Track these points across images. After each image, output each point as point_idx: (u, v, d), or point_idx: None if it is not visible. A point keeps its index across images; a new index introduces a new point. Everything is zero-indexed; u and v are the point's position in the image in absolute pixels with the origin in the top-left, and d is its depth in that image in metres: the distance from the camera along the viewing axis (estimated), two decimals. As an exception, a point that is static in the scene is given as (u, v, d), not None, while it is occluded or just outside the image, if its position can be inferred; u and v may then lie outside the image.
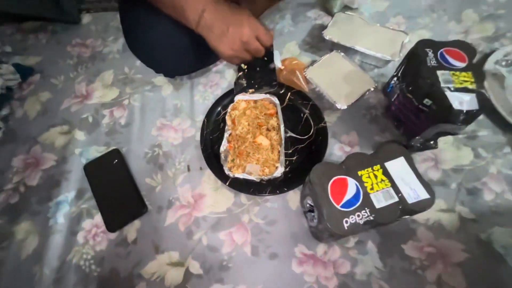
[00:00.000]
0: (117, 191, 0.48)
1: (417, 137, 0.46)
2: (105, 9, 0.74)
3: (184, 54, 0.50)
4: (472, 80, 0.40)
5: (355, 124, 0.53)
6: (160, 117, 0.55)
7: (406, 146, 0.49)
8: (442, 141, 0.50)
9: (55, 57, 0.64)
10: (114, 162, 0.50)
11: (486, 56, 0.58)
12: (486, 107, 0.39)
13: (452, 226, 0.43)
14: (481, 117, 0.52)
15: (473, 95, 0.39)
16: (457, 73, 0.41)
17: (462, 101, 0.39)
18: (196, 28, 0.41)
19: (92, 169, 0.50)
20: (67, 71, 0.62)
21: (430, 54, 0.43)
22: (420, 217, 0.44)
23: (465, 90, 0.40)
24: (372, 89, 0.52)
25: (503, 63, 0.57)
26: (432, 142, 0.48)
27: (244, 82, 0.54)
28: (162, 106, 0.56)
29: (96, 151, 0.52)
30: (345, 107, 0.51)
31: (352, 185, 0.34)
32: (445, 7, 0.66)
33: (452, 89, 0.40)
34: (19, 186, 0.49)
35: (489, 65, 0.56)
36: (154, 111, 0.56)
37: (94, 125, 0.55)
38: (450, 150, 0.49)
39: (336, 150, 0.50)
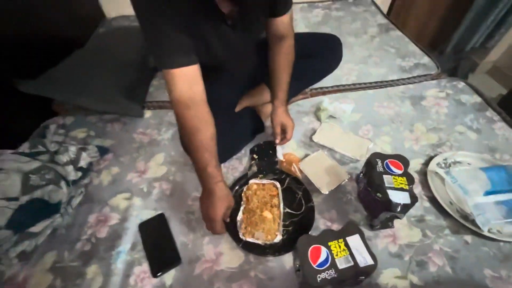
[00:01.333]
0: (160, 246, 0.66)
1: (375, 219, 0.64)
2: (161, 107, 1.05)
3: (220, 156, 0.74)
4: (406, 183, 0.62)
5: (335, 205, 0.72)
6: (195, 190, 0.77)
7: (371, 225, 0.67)
8: (399, 222, 0.68)
9: (124, 142, 0.91)
10: (160, 223, 0.70)
11: (431, 159, 0.80)
12: (415, 202, 0.59)
13: (404, 290, 0.57)
14: (428, 204, 0.71)
15: (407, 193, 0.60)
16: (396, 177, 0.63)
17: (399, 197, 0.59)
18: (202, 187, 0.61)
19: (144, 227, 0.69)
20: (132, 152, 0.88)
21: (379, 163, 0.66)
22: (382, 281, 0.59)
23: (401, 189, 0.60)
24: (346, 180, 0.74)
25: (443, 165, 0.79)
26: (389, 223, 0.66)
27: (255, 168, 0.77)
28: (197, 182, 0.78)
29: (148, 214, 0.72)
30: (327, 192, 0.72)
31: (324, 252, 0.51)
32: (401, 119, 0.93)
33: (392, 188, 0.61)
34: (92, 237, 0.68)
35: (432, 166, 0.78)
36: (191, 186, 0.78)
37: (147, 194, 0.77)
38: (404, 230, 0.67)
39: (321, 224, 0.69)
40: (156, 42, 0.55)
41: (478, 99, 0.97)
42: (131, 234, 0.68)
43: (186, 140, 0.61)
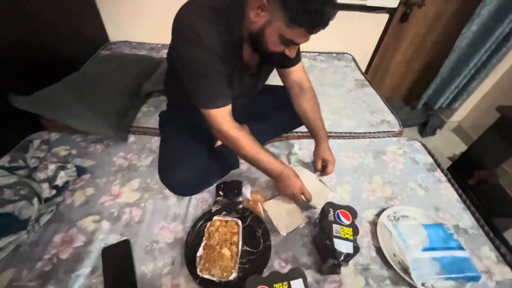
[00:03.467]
0: (120, 273, 0.68)
1: (324, 264, 0.70)
2: (145, 133, 1.12)
3: (194, 189, 0.83)
4: (351, 233, 0.69)
5: (291, 246, 0.78)
6: (162, 220, 0.81)
7: (320, 269, 0.73)
8: (347, 269, 0.74)
9: (103, 164, 0.95)
10: (124, 249, 0.73)
11: (383, 211, 0.89)
12: (357, 252, 0.66)
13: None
14: (374, 254, 0.78)
15: (351, 243, 0.67)
16: (344, 227, 0.70)
17: (343, 247, 0.66)
18: (274, 178, 0.79)
19: (107, 253, 0.72)
20: (109, 175, 0.92)
21: (331, 212, 0.73)
22: (322, 326, 0.63)
23: (347, 239, 0.68)
24: (304, 224, 0.81)
25: (392, 218, 0.87)
26: (337, 269, 0.72)
27: (219, 205, 0.83)
28: (166, 212, 0.83)
29: (113, 239, 0.75)
30: (285, 234, 0.78)
31: (268, 293, 0.56)
32: (362, 171, 1.03)
33: (339, 237, 0.68)
34: (54, 257, 0.70)
35: (382, 218, 0.86)
36: (160, 214, 0.82)
37: (117, 219, 0.80)
38: (350, 276, 0.73)
39: (276, 264, 0.74)
40: (208, 90, 0.70)
41: (430, 159, 1.09)
42: (93, 258, 0.70)
43: (244, 152, 0.75)
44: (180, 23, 0.64)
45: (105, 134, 1.01)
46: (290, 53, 0.69)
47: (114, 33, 1.70)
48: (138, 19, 1.62)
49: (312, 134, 0.93)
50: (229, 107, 0.74)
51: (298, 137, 1.16)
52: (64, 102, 1.01)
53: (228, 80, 0.74)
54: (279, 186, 0.81)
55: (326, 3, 0.56)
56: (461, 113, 2.06)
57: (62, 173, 0.85)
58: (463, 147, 2.00)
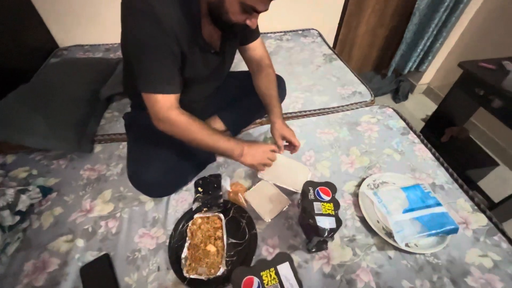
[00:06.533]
0: (102, 289, 0.65)
1: (310, 243, 0.71)
2: (112, 140, 1.05)
3: (168, 189, 0.78)
4: (332, 209, 0.69)
5: (277, 230, 0.77)
6: (142, 227, 0.77)
7: (308, 248, 0.73)
8: (333, 243, 0.75)
9: (70, 179, 0.89)
10: (103, 265, 0.69)
11: (363, 181, 0.90)
12: (340, 225, 0.66)
13: (335, 309, 0.63)
14: (359, 224, 0.79)
15: (333, 218, 0.67)
16: (325, 204, 0.70)
17: (326, 223, 0.66)
18: (238, 159, 0.75)
19: (86, 271, 0.68)
20: (78, 190, 0.86)
21: (311, 191, 0.72)
22: (315, 302, 0.64)
23: (328, 215, 0.67)
24: (287, 207, 0.80)
25: (372, 186, 0.88)
26: (324, 245, 0.73)
27: (200, 202, 0.81)
28: (144, 218, 0.79)
29: (90, 256, 0.71)
30: (269, 220, 0.77)
31: (256, 282, 0.56)
32: (339, 145, 1.03)
33: (321, 215, 0.67)
34: (28, 287, 0.65)
35: (363, 188, 0.87)
36: (138, 222, 0.78)
37: (92, 234, 0.75)
38: (337, 250, 0.73)
39: (263, 251, 0.73)
40: (158, 69, 0.63)
41: (402, 123, 1.11)
42: (71, 280, 0.66)
43: (200, 137, 0.70)
44: None
45: (66, 148, 0.94)
46: (252, 22, 0.66)
47: (63, 38, 1.57)
48: (85, 20, 1.50)
49: (267, 111, 0.89)
50: (177, 96, 0.69)
51: (273, 121, 1.14)
52: (14, 120, 0.92)
53: (190, 61, 0.69)
54: (247, 160, 0.76)
55: None
56: (429, 74, 2.11)
57: (23, 197, 0.78)
58: (434, 107, 2.08)
